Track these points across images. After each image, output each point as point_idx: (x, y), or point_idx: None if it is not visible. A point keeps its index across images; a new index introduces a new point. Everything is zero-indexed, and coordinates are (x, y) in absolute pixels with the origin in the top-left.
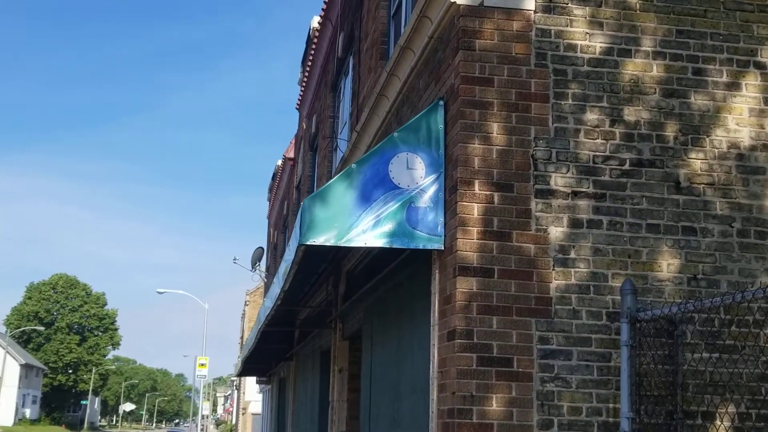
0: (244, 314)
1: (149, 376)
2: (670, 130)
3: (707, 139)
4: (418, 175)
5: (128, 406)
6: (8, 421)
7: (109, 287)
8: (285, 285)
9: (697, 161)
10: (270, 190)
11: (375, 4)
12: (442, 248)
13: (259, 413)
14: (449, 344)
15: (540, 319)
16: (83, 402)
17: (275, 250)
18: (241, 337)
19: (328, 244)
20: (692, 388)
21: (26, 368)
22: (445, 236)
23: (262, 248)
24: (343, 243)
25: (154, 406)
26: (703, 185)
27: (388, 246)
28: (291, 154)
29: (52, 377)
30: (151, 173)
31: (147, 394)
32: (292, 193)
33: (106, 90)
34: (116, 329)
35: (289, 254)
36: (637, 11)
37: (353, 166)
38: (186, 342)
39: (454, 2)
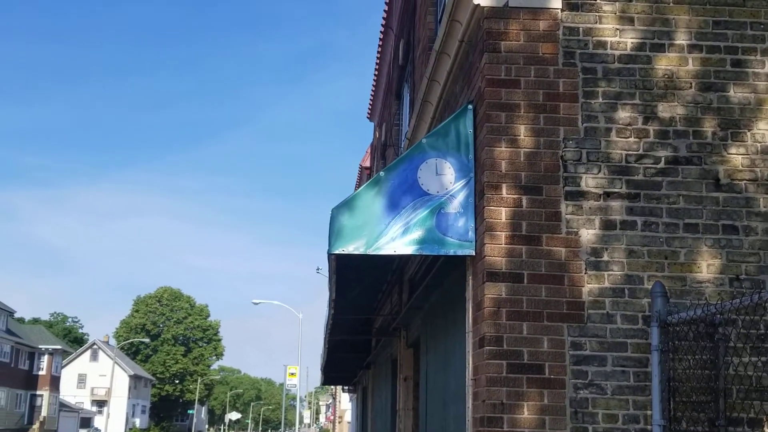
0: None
1: (253, 385)
2: (708, 126)
3: (748, 134)
4: (448, 180)
5: (234, 415)
6: (119, 430)
7: (210, 298)
8: (331, 294)
9: (737, 157)
10: None
11: (425, 10)
12: (474, 254)
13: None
14: (480, 351)
15: (572, 325)
16: (190, 411)
17: None
18: None
19: (357, 252)
20: (736, 393)
21: (135, 379)
22: (475, 242)
23: None
24: (372, 251)
25: (259, 414)
26: (744, 181)
27: (417, 253)
28: (367, 164)
29: (160, 387)
30: (247, 185)
31: (252, 404)
32: None
33: (201, 107)
34: (219, 340)
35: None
36: (670, 4)
37: (381, 173)
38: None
39: (478, 4)
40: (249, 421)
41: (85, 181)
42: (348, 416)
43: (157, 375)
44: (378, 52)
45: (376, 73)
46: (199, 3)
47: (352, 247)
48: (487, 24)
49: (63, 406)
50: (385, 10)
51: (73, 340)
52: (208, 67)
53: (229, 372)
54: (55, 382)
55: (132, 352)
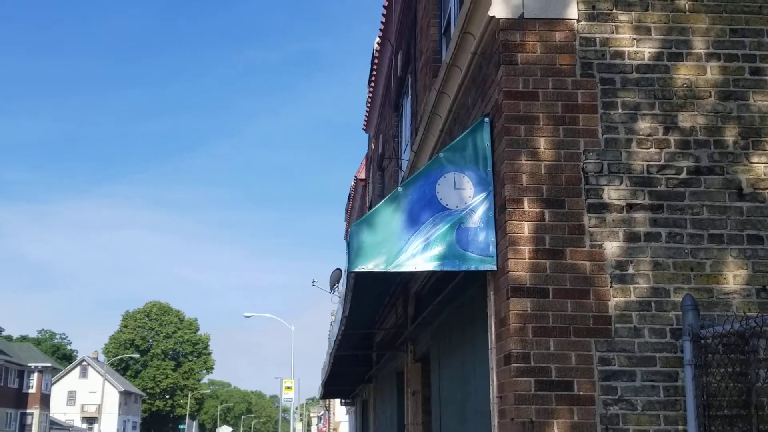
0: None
1: (244, 398)
2: (729, 135)
3: None
4: (467, 194)
5: (225, 429)
6: None
7: (199, 312)
8: (345, 311)
9: (759, 165)
10: (346, 211)
11: (427, 22)
12: (495, 269)
13: None
14: (506, 368)
15: (600, 339)
16: (181, 426)
17: None
18: None
19: (377, 269)
20: None
21: (125, 395)
22: (497, 256)
23: (340, 270)
24: (392, 268)
25: (250, 428)
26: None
27: (438, 269)
28: (362, 175)
29: (150, 403)
30: (235, 196)
31: (243, 417)
32: (364, 213)
33: (186, 118)
34: (209, 354)
35: (345, 281)
36: (687, 12)
37: (399, 189)
38: (276, 363)
39: (493, 16)
40: None
41: (72, 195)
42: (344, 428)
43: (147, 390)
44: (374, 63)
45: (373, 84)
46: (183, 14)
47: (372, 264)
48: (503, 36)
49: (53, 424)
50: (382, 22)
51: (62, 357)
52: (193, 78)
53: (219, 385)
54: (45, 400)
55: (122, 367)
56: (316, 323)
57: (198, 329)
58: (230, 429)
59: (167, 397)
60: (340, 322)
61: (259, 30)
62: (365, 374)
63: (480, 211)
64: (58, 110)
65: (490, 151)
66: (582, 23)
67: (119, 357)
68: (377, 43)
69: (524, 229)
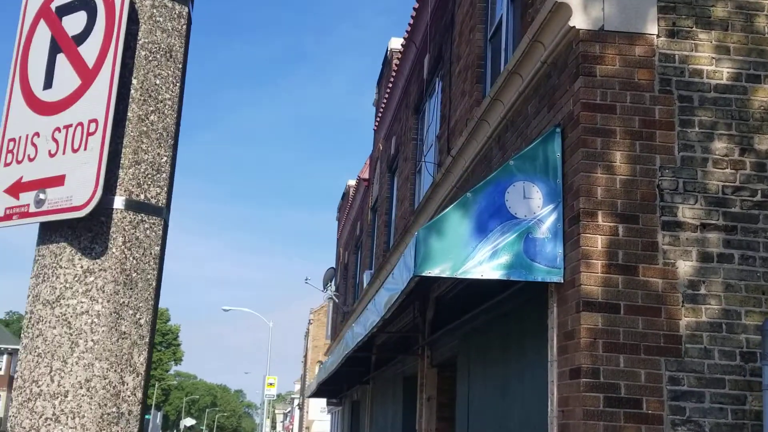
0: (308, 333)
1: (209, 391)
2: None
3: None
4: (536, 204)
5: (189, 422)
6: None
7: (169, 302)
8: (386, 313)
9: None
10: (339, 210)
11: (469, 27)
12: (562, 281)
13: None
14: (573, 383)
15: (670, 359)
16: (146, 416)
17: (345, 270)
18: (305, 356)
19: (443, 275)
20: None
21: None
22: (564, 269)
23: (333, 269)
24: (459, 275)
25: (213, 421)
26: None
27: (505, 278)
28: (366, 175)
29: None
30: (211, 189)
31: (207, 410)
32: (367, 214)
33: None
34: (179, 345)
35: (394, 283)
36: (766, 35)
37: (468, 195)
38: (245, 358)
39: (573, 27)
40: (204, 428)
41: None
42: (320, 427)
43: None
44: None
45: (390, 85)
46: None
47: (438, 269)
48: (582, 47)
49: None
50: (410, 24)
51: None
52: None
53: (185, 377)
54: (12, 383)
55: None
56: (286, 320)
57: (169, 320)
58: (194, 421)
59: None
60: (375, 324)
61: (243, 24)
62: (361, 375)
63: (548, 222)
64: None
65: (561, 162)
66: (662, 39)
67: None
68: (402, 45)
69: (597, 242)
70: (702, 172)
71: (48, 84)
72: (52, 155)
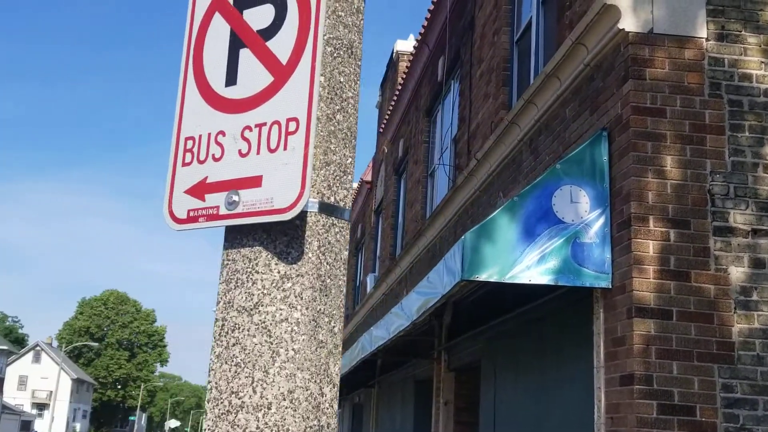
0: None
1: (194, 393)
2: None
3: None
4: (583, 209)
5: (173, 423)
6: None
7: (155, 303)
8: (419, 317)
9: None
10: None
11: (493, 30)
12: (610, 287)
13: None
14: (624, 389)
15: (723, 366)
16: (131, 418)
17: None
18: None
19: (491, 280)
20: None
21: (77, 383)
22: (613, 274)
23: None
24: (507, 279)
25: (198, 423)
26: None
27: (553, 283)
28: (369, 177)
29: (102, 392)
30: None
31: (192, 411)
32: (369, 216)
33: (151, 107)
34: (165, 346)
35: (431, 288)
36: None
37: (515, 199)
38: None
39: (622, 29)
40: (188, 429)
41: (29, 178)
42: None
43: (100, 379)
44: (406, 68)
45: (400, 88)
46: (159, 4)
47: (485, 274)
48: (632, 50)
49: (5, 408)
50: (423, 26)
51: (13, 340)
52: (160, 68)
53: (170, 378)
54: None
55: (74, 355)
56: None
57: (155, 321)
58: (178, 423)
59: (119, 387)
60: (401, 328)
61: None
62: (365, 379)
63: (596, 227)
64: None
65: (608, 165)
66: (711, 43)
67: (78, 344)
68: (414, 47)
69: (649, 248)
70: (753, 177)
71: (231, 80)
72: (243, 155)
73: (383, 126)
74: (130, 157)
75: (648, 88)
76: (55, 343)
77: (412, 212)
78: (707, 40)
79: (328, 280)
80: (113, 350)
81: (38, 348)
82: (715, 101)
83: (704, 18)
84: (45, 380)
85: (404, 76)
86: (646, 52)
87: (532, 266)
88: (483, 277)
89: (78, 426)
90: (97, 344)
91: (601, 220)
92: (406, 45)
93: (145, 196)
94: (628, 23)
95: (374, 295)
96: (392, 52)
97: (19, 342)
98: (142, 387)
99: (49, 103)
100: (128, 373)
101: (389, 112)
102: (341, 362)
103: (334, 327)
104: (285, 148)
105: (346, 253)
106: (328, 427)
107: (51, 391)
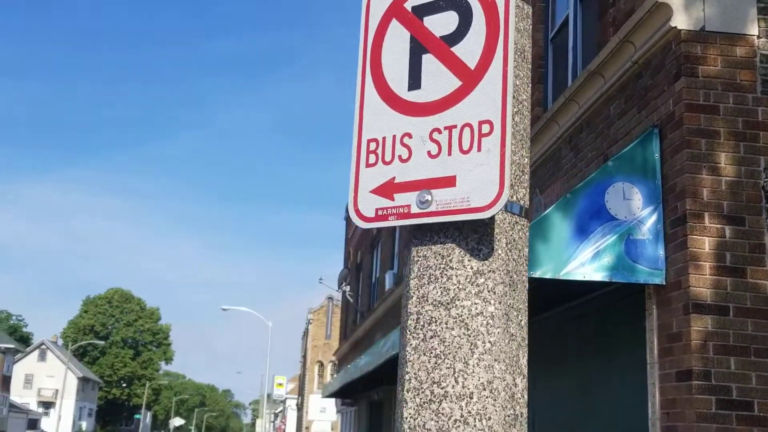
0: (306, 333)
1: (198, 391)
2: None
3: None
4: (635, 206)
5: (177, 421)
6: None
7: (158, 302)
8: None
9: None
10: (347, 210)
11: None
12: (664, 283)
13: None
14: (681, 385)
15: None
16: (137, 416)
17: (358, 270)
18: (303, 356)
19: (545, 277)
20: None
21: (83, 381)
22: (667, 270)
23: (347, 269)
24: (561, 276)
25: (202, 421)
26: None
27: (607, 280)
28: None
29: (107, 391)
30: (196, 189)
31: (196, 410)
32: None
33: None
34: (169, 344)
35: None
36: None
37: (568, 195)
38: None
39: (674, 27)
40: (192, 428)
41: (29, 177)
42: (320, 427)
43: (105, 378)
44: None
45: None
46: (158, 4)
47: (540, 271)
48: (684, 47)
49: (12, 407)
50: None
51: (18, 339)
52: (162, 68)
53: (174, 377)
54: (6, 382)
55: (79, 353)
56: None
57: (159, 319)
58: (183, 421)
59: (124, 385)
60: None
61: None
62: (386, 376)
63: (649, 224)
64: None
65: (660, 162)
66: (762, 40)
67: (84, 343)
68: None
69: (705, 244)
70: None
71: (415, 85)
72: (433, 156)
73: None
74: (131, 157)
75: (701, 85)
76: (60, 342)
77: None
78: (758, 37)
79: (515, 276)
80: (118, 348)
81: (44, 346)
82: (767, 98)
83: (755, 15)
84: (51, 378)
85: None
86: (698, 49)
87: (586, 263)
88: (537, 274)
89: (84, 424)
90: (103, 342)
91: (654, 217)
92: None
93: (146, 195)
94: (680, 21)
95: (394, 292)
96: None
97: (23, 340)
98: (147, 385)
99: (48, 103)
100: (133, 372)
101: None
102: (527, 356)
103: (521, 320)
104: (479, 150)
105: (527, 250)
106: (521, 416)
107: (57, 390)
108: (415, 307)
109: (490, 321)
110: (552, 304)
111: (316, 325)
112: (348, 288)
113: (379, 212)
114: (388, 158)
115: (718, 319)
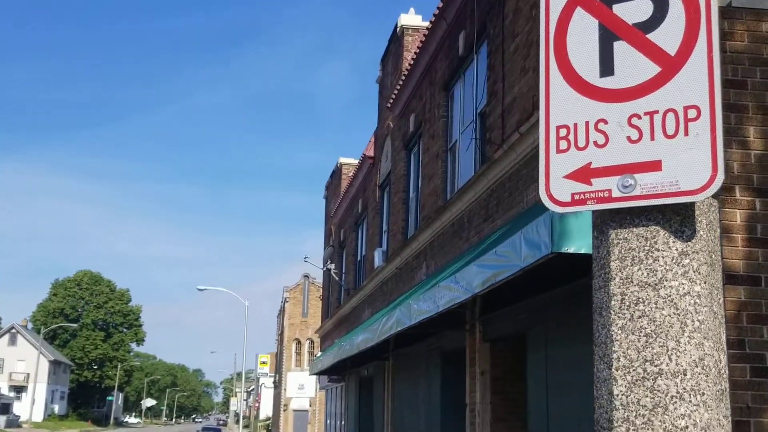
0: (282, 311)
1: (169, 371)
2: None
3: None
4: None
5: (149, 402)
6: (38, 416)
7: (127, 283)
8: (484, 290)
9: None
10: (327, 188)
11: (530, 3)
12: None
13: (304, 409)
14: None
15: None
16: (109, 398)
17: (341, 248)
18: (280, 334)
19: (580, 252)
20: None
21: (54, 365)
22: None
23: (332, 247)
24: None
25: (173, 401)
26: None
27: None
28: (371, 153)
29: (79, 373)
30: (165, 169)
31: (168, 390)
32: (374, 191)
33: (122, 85)
34: (140, 325)
35: (500, 260)
36: None
37: None
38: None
39: None
40: (164, 408)
41: None
42: (298, 404)
43: (76, 360)
44: (421, 41)
45: (412, 61)
46: None
47: (574, 247)
48: None
49: None
50: (442, 0)
51: None
52: (130, 46)
53: (145, 358)
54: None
55: (50, 336)
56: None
57: (129, 300)
58: (154, 402)
59: (96, 368)
60: (455, 300)
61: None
62: (377, 352)
63: None
64: None
65: None
66: None
67: (55, 327)
68: (431, 21)
69: (736, 217)
70: None
71: (607, 72)
72: (633, 141)
73: (392, 101)
74: (91, 137)
75: (728, 60)
76: (30, 326)
77: (430, 186)
78: None
79: (713, 256)
80: (89, 331)
81: (14, 330)
82: None
83: None
84: (22, 362)
85: (417, 50)
86: (725, 25)
87: None
88: (572, 249)
89: (56, 407)
90: (75, 325)
91: None
92: (411, 19)
93: (113, 176)
94: None
95: (385, 269)
96: (396, 27)
97: None
98: (119, 367)
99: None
100: (104, 354)
101: (398, 87)
102: (725, 333)
103: (720, 299)
104: (686, 134)
105: (719, 230)
106: (726, 391)
107: (28, 374)
108: (619, 288)
109: (698, 300)
110: (561, 277)
111: (293, 303)
112: (333, 266)
113: (576, 197)
114: (581, 144)
115: (750, 290)
